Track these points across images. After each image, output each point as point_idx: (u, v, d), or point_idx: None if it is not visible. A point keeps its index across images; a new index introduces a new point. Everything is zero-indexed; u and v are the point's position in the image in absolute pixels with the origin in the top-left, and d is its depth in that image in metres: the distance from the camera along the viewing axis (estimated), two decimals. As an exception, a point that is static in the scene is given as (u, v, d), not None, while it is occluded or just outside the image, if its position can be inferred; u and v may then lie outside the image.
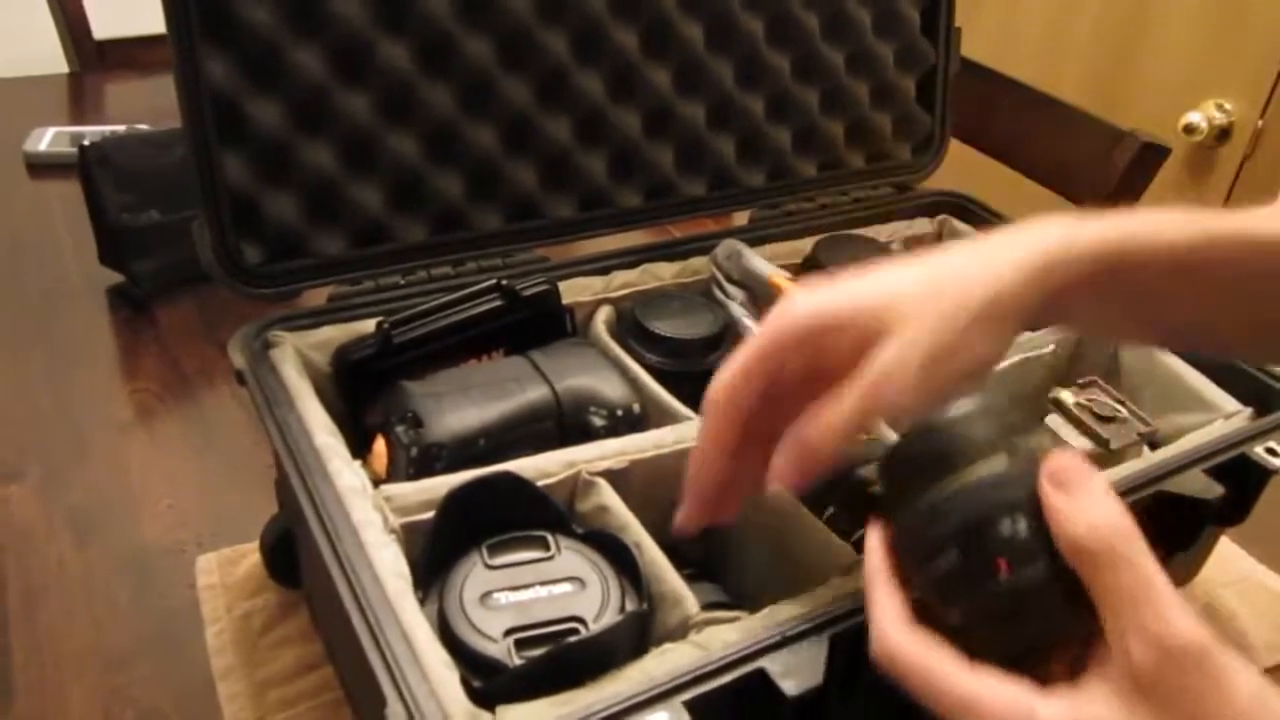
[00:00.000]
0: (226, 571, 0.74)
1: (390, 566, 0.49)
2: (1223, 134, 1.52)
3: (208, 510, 0.80)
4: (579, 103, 0.75)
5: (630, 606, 0.50)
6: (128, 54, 1.63)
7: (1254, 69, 1.40)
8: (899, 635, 0.40)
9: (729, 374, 0.45)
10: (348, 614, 0.46)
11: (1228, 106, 1.47)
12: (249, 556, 0.75)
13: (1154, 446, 0.69)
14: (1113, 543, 0.36)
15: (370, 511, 0.52)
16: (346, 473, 0.54)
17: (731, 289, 0.75)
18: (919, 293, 0.44)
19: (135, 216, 1.04)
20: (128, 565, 0.75)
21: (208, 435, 0.89)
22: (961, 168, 0.98)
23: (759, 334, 0.45)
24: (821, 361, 0.44)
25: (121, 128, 1.29)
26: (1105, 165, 1.09)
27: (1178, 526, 0.61)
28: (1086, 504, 0.37)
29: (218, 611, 0.71)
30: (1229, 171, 1.59)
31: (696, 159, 0.82)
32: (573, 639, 0.47)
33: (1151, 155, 1.08)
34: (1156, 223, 0.46)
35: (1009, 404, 0.43)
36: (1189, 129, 1.49)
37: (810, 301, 0.44)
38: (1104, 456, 0.67)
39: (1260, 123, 1.46)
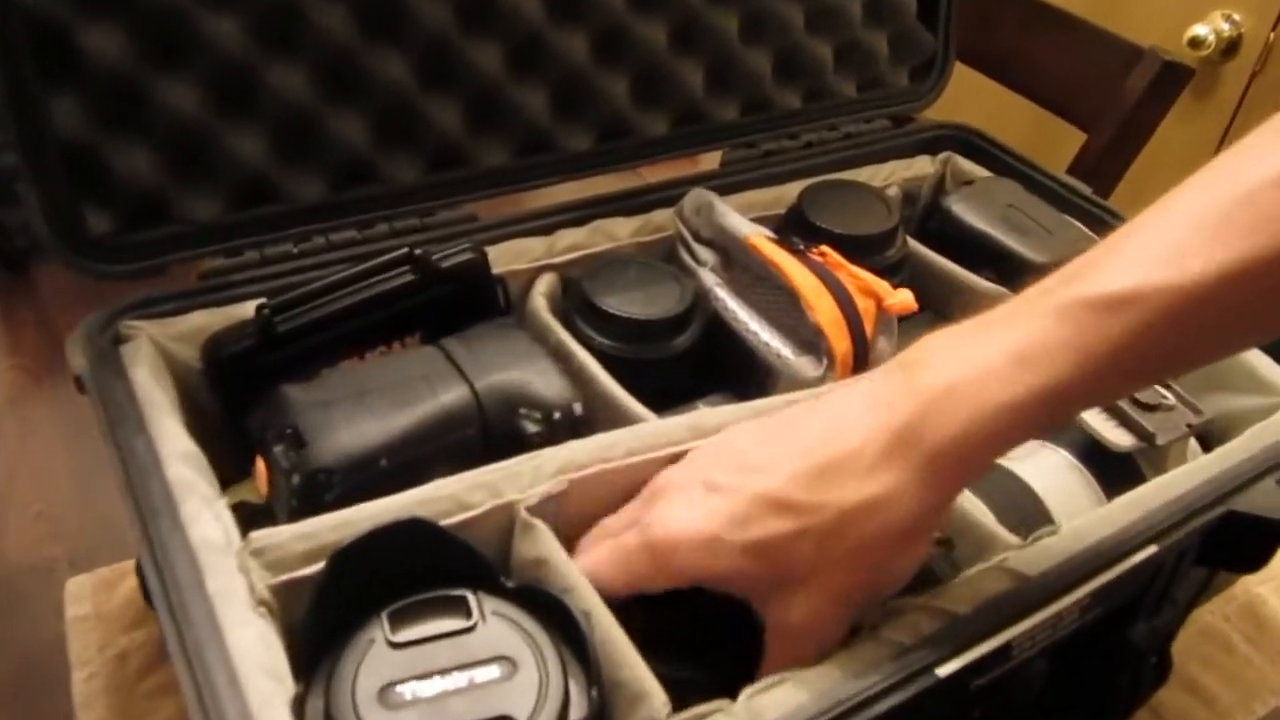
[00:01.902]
0: (101, 598, 0.62)
1: (255, 659, 0.37)
2: (1230, 48, 1.41)
3: (85, 519, 0.68)
4: (511, 24, 0.61)
5: (576, 698, 0.39)
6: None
7: (1266, -25, 1.29)
8: None
9: None
10: (195, 730, 0.35)
11: (1236, 18, 1.37)
12: (129, 577, 0.63)
13: (1204, 440, 0.58)
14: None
15: (231, 577, 0.39)
16: (204, 518, 0.42)
17: (701, 251, 0.62)
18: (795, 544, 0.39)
19: (4, 156, 0.89)
20: (-17, 591, 0.63)
21: (89, 424, 0.75)
22: (952, 91, 0.85)
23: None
24: None
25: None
26: (1120, 87, 0.97)
27: (1242, 544, 0.50)
28: None
29: (88, 650, 0.59)
30: (1236, 89, 1.48)
31: (656, 90, 0.69)
32: (498, 774, 0.35)
33: (1173, 76, 0.96)
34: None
35: None
36: (1195, 42, 1.39)
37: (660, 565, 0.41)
38: (1148, 453, 0.56)
39: (1271, 36, 1.36)
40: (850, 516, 0.38)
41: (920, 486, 0.37)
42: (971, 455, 0.37)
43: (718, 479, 0.41)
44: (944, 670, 0.39)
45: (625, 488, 0.48)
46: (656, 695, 0.38)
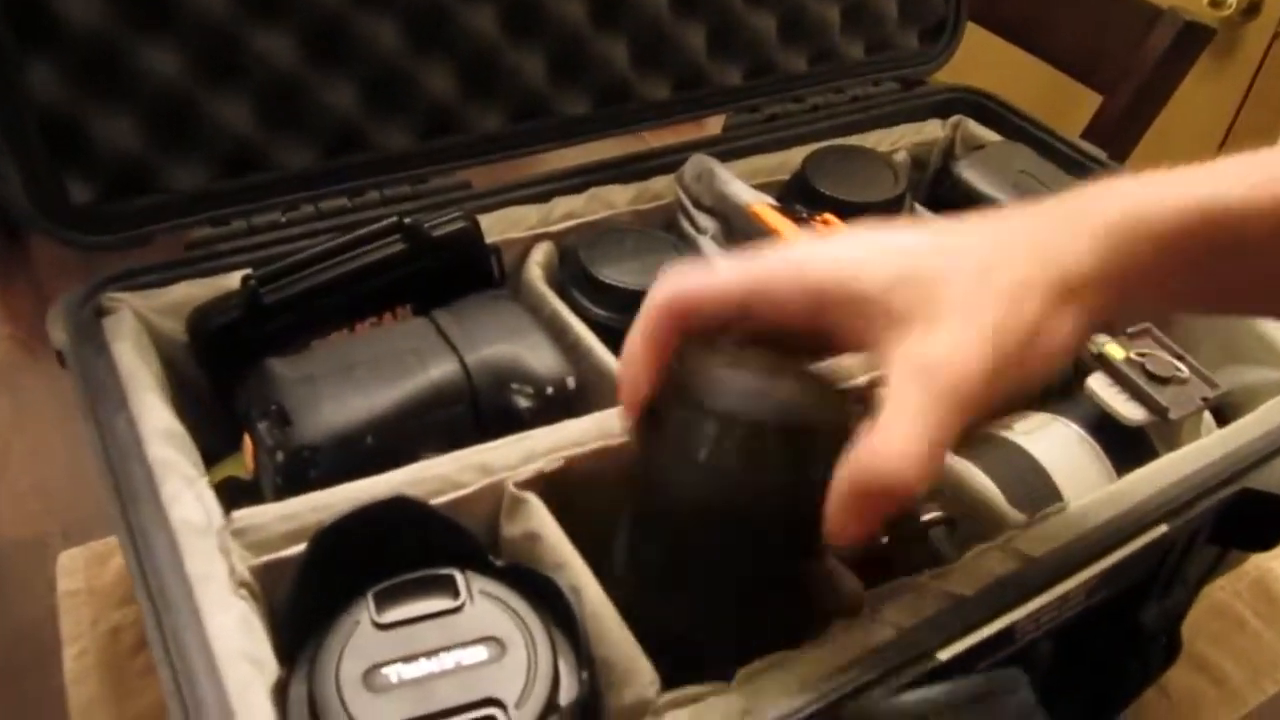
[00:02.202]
0: (94, 573, 0.62)
1: (234, 644, 0.36)
2: (1251, 8, 1.38)
3: (79, 492, 0.67)
4: (507, -16, 0.59)
5: (566, 680, 0.38)
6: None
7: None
8: None
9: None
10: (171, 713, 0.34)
11: None
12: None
13: (1219, 414, 0.56)
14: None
15: (211, 559, 0.38)
16: (185, 499, 0.41)
17: (702, 219, 0.60)
18: (955, 267, 0.33)
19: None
20: (-25, 565, 0.62)
21: (83, 395, 0.75)
22: (964, 53, 0.83)
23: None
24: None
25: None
26: (1139, 48, 0.94)
27: (1257, 523, 0.48)
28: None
29: (80, 626, 0.59)
30: (1257, 50, 1.45)
31: (657, 53, 0.67)
32: (484, 760, 0.34)
33: (1194, 37, 0.93)
34: (1252, 168, 0.36)
35: None
36: (1215, 2, 1.35)
37: (795, 267, 0.35)
38: (1160, 428, 0.55)
39: None
40: (1018, 253, 0.33)
41: (1090, 255, 0.33)
42: (1139, 248, 0.34)
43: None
44: (945, 654, 0.37)
45: (624, 467, 0.47)
46: (646, 673, 0.37)
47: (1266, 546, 0.49)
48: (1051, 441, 0.56)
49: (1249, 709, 0.60)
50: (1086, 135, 0.86)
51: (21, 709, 0.55)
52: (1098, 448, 0.56)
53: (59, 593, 0.60)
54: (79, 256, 0.86)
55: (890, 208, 0.63)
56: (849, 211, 0.59)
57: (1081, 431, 0.56)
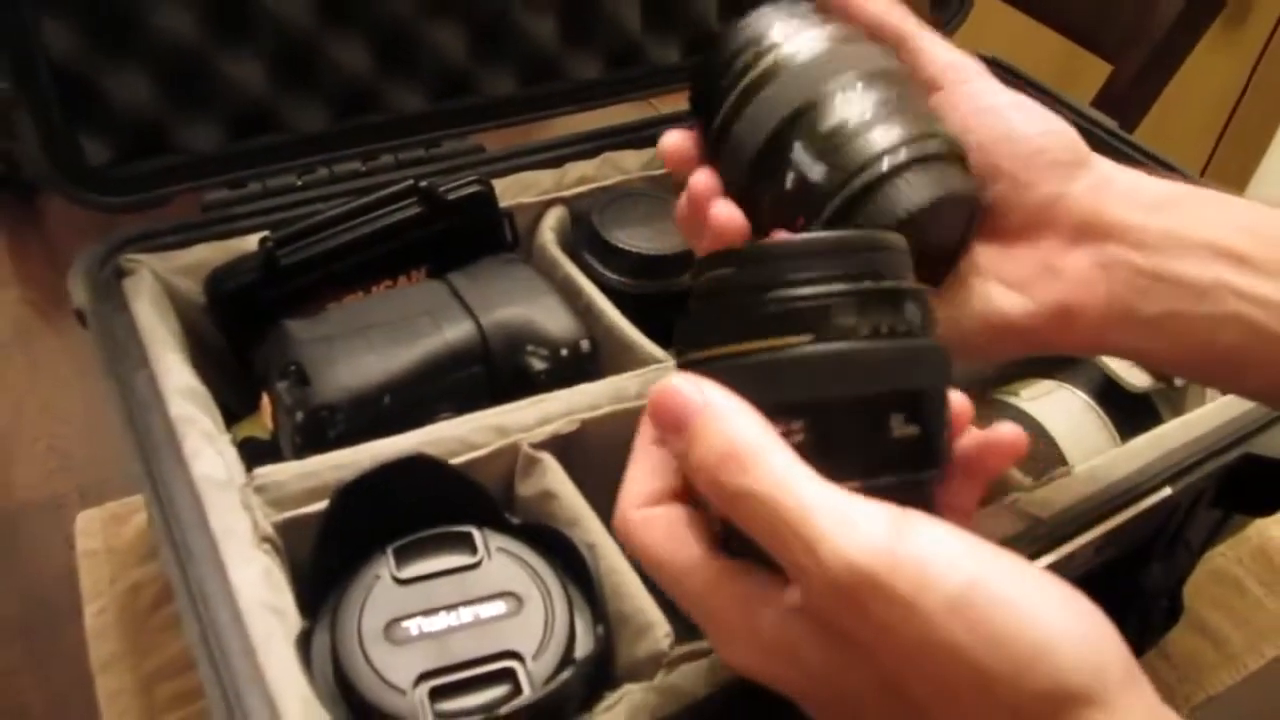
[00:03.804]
0: (112, 532, 0.62)
1: (256, 595, 0.36)
2: (1262, -22, 1.37)
3: (95, 452, 0.68)
4: (519, -56, 0.59)
5: (582, 634, 0.39)
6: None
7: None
8: (635, 513, 0.31)
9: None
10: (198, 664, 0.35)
11: None
12: (140, 512, 0.63)
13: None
14: (724, 479, 0.28)
15: (234, 514, 0.39)
16: (207, 455, 0.41)
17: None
18: None
19: (5, 85, 0.88)
20: (-7, 524, 0.63)
21: (98, 357, 0.75)
22: (974, 21, 0.82)
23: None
24: None
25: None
26: (1149, 17, 0.93)
27: (1258, 487, 0.49)
28: (692, 438, 0.29)
29: (100, 584, 0.60)
30: (1268, 19, 1.45)
31: (669, 14, 0.66)
32: (505, 710, 0.35)
33: (1204, 6, 0.92)
34: None
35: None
36: (1228, -29, 1.33)
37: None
38: (1166, 394, 0.55)
39: None
40: None
41: None
42: None
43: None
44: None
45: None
46: (661, 626, 0.37)
47: (1268, 511, 0.50)
48: (1058, 408, 0.56)
49: (1248, 672, 0.61)
50: (1096, 103, 0.86)
51: (43, 663, 0.56)
52: (1104, 415, 0.56)
53: (78, 552, 0.61)
54: (93, 220, 0.87)
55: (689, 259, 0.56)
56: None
57: (1088, 399, 0.57)
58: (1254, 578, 0.65)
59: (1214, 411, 0.49)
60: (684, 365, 0.31)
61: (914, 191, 0.35)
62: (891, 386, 0.29)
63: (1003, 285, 0.37)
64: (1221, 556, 0.66)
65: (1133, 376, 0.55)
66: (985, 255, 0.38)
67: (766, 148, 0.37)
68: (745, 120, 0.38)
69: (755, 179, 0.37)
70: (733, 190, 0.38)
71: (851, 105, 0.36)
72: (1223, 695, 0.59)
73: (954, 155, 0.37)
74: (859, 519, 0.26)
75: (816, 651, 0.27)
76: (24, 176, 0.90)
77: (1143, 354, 0.38)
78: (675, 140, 0.40)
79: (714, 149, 0.39)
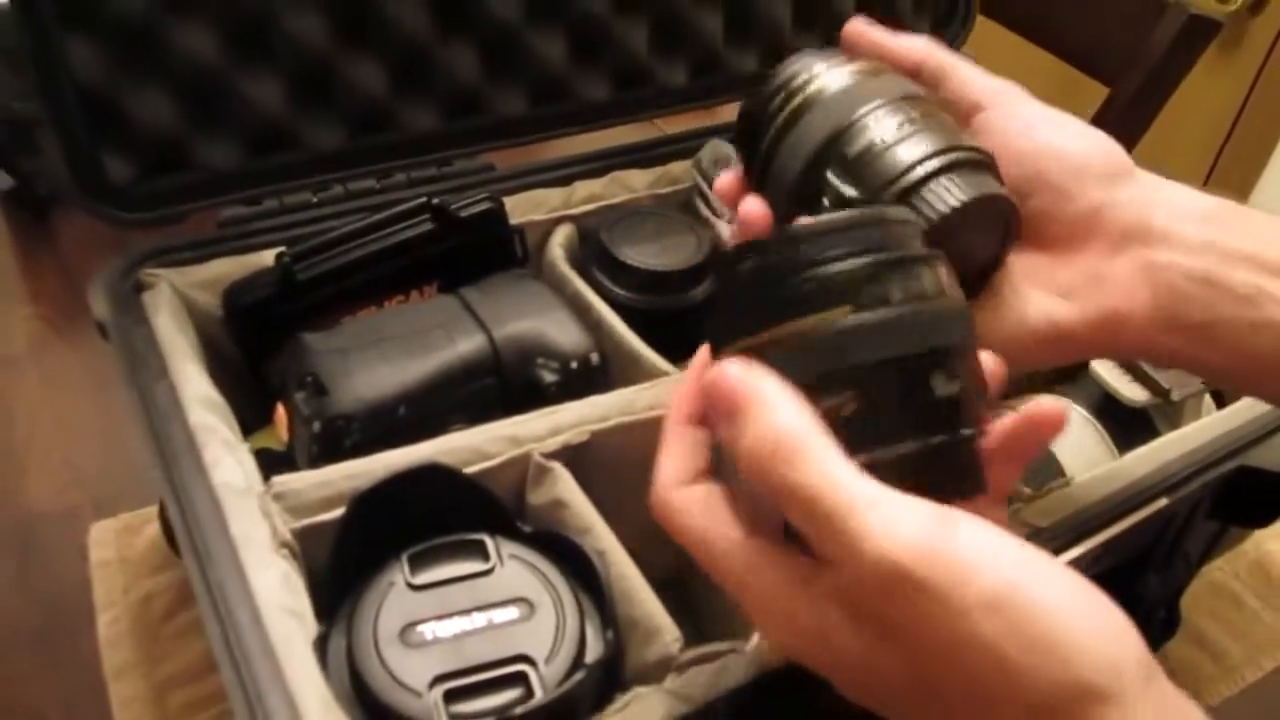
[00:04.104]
0: (125, 543, 0.63)
1: (275, 599, 0.37)
2: (1258, 3, 1.39)
3: (108, 465, 0.69)
4: (530, -31, 0.60)
5: (592, 639, 0.40)
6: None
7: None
8: (674, 493, 0.32)
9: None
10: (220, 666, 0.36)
11: None
12: (152, 523, 0.64)
13: (1219, 397, 0.58)
14: (772, 471, 0.28)
15: (253, 520, 0.40)
16: (227, 463, 0.42)
17: (718, 203, 0.62)
18: None
19: (28, 104, 0.89)
20: (8, 535, 0.64)
21: (112, 372, 0.76)
22: (974, 45, 0.84)
23: None
24: None
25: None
26: (1145, 41, 0.95)
27: (1253, 499, 0.50)
28: (743, 426, 0.29)
29: (113, 594, 0.60)
30: (1262, 44, 1.47)
31: (676, 38, 0.68)
32: (519, 710, 0.36)
33: (1199, 29, 0.94)
34: None
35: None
36: (1222, -3, 1.36)
37: None
38: (1163, 409, 0.56)
39: None
40: None
41: None
42: None
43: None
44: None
45: (646, 441, 0.48)
46: (669, 631, 0.38)
47: (1263, 522, 0.51)
48: (1057, 422, 0.57)
49: (1246, 684, 0.61)
50: (1094, 124, 0.87)
51: (58, 670, 0.57)
52: (1101, 429, 0.57)
53: (91, 562, 0.62)
54: (105, 237, 0.88)
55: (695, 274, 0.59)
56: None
57: (1086, 413, 0.58)
58: (1251, 591, 0.66)
59: (1209, 425, 0.50)
60: (728, 355, 0.32)
61: (945, 196, 0.37)
62: (930, 345, 0.30)
63: (1049, 293, 0.39)
64: (1219, 571, 0.67)
65: (1130, 391, 0.56)
66: (1031, 264, 0.40)
67: (804, 176, 0.40)
68: (784, 153, 0.40)
69: (797, 206, 0.40)
70: (778, 218, 0.41)
71: (879, 128, 0.38)
72: (1220, 707, 0.60)
73: (982, 163, 0.38)
74: (902, 515, 0.27)
75: (850, 638, 0.28)
76: (38, 194, 0.92)
77: (1191, 361, 0.39)
78: (727, 180, 0.44)
79: (759, 182, 0.42)
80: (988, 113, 0.41)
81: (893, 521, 0.27)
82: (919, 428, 0.30)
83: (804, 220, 0.32)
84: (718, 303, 0.33)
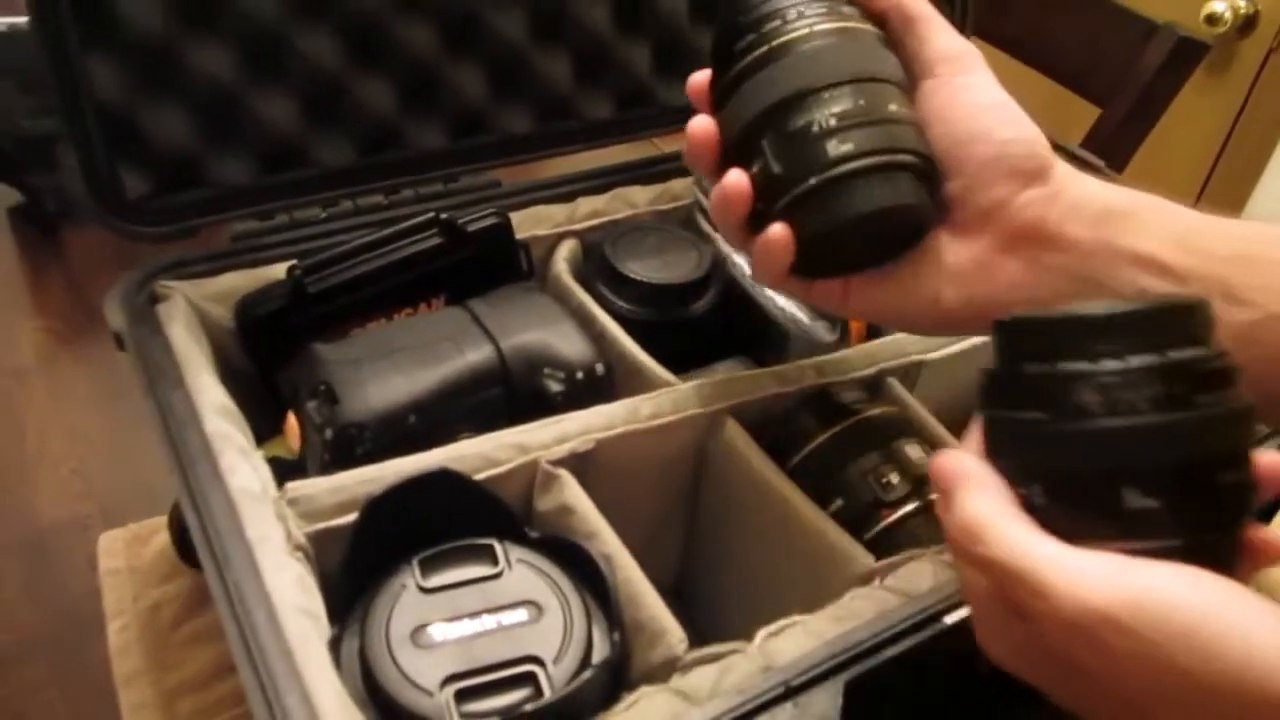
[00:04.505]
0: (134, 552, 0.64)
1: (291, 600, 0.38)
2: (1246, 24, 1.41)
3: (117, 476, 0.70)
4: (535, -8, 0.62)
5: (599, 640, 0.41)
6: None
7: (1289, -50, 1.29)
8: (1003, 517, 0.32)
9: None
10: (238, 665, 0.37)
11: None
12: (161, 533, 0.65)
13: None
14: (966, 546, 0.31)
15: (269, 524, 0.41)
16: (243, 470, 0.43)
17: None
18: None
19: (38, 123, 0.91)
20: (19, 544, 0.65)
21: (120, 384, 0.76)
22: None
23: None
24: None
25: (24, 20, 1.13)
26: (1135, 62, 0.97)
27: None
28: (946, 507, 0.33)
29: (122, 602, 0.61)
30: (1251, 66, 1.48)
31: (677, 58, 0.69)
32: (530, 708, 0.37)
33: (1188, 52, 0.96)
34: None
35: None
36: (1211, 19, 1.39)
37: None
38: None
39: None
40: None
41: None
42: None
43: None
44: (951, 619, 0.40)
45: (650, 449, 0.50)
46: (674, 632, 0.39)
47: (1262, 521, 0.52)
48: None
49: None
50: (1086, 144, 0.89)
51: (69, 677, 0.58)
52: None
53: (101, 571, 0.63)
54: (112, 252, 0.89)
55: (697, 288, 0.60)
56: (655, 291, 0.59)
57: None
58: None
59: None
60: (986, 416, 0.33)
61: (856, 200, 0.39)
62: (1118, 463, 0.30)
63: (947, 275, 0.41)
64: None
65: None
66: (937, 241, 0.41)
67: (744, 133, 0.41)
68: (740, 96, 0.41)
69: (736, 156, 0.42)
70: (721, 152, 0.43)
71: (821, 110, 0.39)
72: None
73: (905, 167, 0.40)
74: (1086, 566, 0.29)
75: (1054, 672, 0.31)
76: (46, 210, 0.93)
77: None
78: (698, 80, 0.44)
79: (717, 104, 0.43)
80: (935, 81, 0.42)
81: (1080, 571, 0.29)
82: (1099, 534, 0.30)
83: (1070, 309, 0.31)
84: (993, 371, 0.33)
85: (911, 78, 0.42)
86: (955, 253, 0.41)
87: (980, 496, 0.32)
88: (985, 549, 0.31)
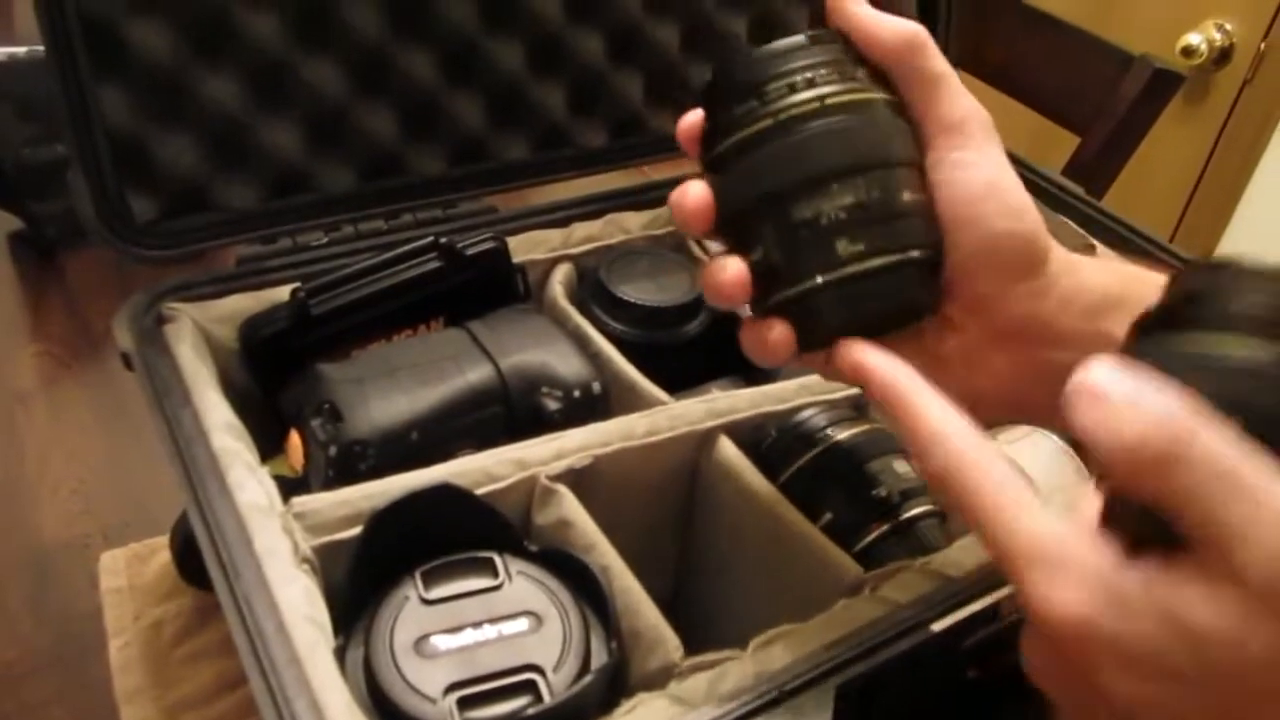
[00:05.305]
0: (135, 571, 0.65)
1: (299, 610, 0.40)
2: (1222, 56, 1.45)
3: (117, 496, 0.71)
4: (532, 23, 0.64)
5: (597, 649, 0.42)
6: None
7: (1257, -13, 1.33)
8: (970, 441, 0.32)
9: None
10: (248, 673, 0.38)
11: (1228, 27, 1.41)
12: (161, 552, 0.66)
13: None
14: (1167, 448, 0.26)
15: (277, 536, 0.42)
16: (250, 485, 0.45)
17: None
18: None
19: (38, 151, 0.92)
20: (21, 563, 0.66)
21: (119, 406, 0.78)
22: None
23: None
24: None
25: (23, 49, 1.15)
26: (1113, 93, 1.00)
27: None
28: (1123, 411, 0.28)
29: (123, 620, 0.62)
30: (1227, 96, 1.52)
31: (670, 89, 0.72)
32: (531, 712, 0.38)
33: (1164, 83, 0.99)
34: None
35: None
36: (1187, 51, 1.42)
37: None
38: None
39: (1262, 45, 1.40)
40: None
41: None
42: None
43: None
44: (938, 626, 0.42)
45: (646, 465, 0.51)
46: (671, 640, 0.41)
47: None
48: (1033, 453, 0.60)
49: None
50: (1066, 172, 0.91)
51: (72, 694, 0.58)
52: (1077, 459, 0.60)
53: (102, 590, 0.64)
54: (111, 277, 0.91)
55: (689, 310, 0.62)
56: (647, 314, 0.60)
57: (1061, 443, 0.61)
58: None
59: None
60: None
61: (866, 303, 0.37)
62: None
63: (932, 364, 0.37)
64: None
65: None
66: (928, 329, 0.40)
67: (744, 214, 0.38)
68: (736, 175, 0.38)
69: (733, 236, 0.39)
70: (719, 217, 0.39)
71: (830, 201, 0.36)
72: None
73: (915, 263, 0.37)
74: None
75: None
76: (46, 235, 0.94)
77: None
78: (689, 123, 0.40)
79: (711, 165, 0.39)
80: (936, 155, 0.38)
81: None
82: None
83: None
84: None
85: (919, 142, 0.39)
86: (943, 341, 0.39)
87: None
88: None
